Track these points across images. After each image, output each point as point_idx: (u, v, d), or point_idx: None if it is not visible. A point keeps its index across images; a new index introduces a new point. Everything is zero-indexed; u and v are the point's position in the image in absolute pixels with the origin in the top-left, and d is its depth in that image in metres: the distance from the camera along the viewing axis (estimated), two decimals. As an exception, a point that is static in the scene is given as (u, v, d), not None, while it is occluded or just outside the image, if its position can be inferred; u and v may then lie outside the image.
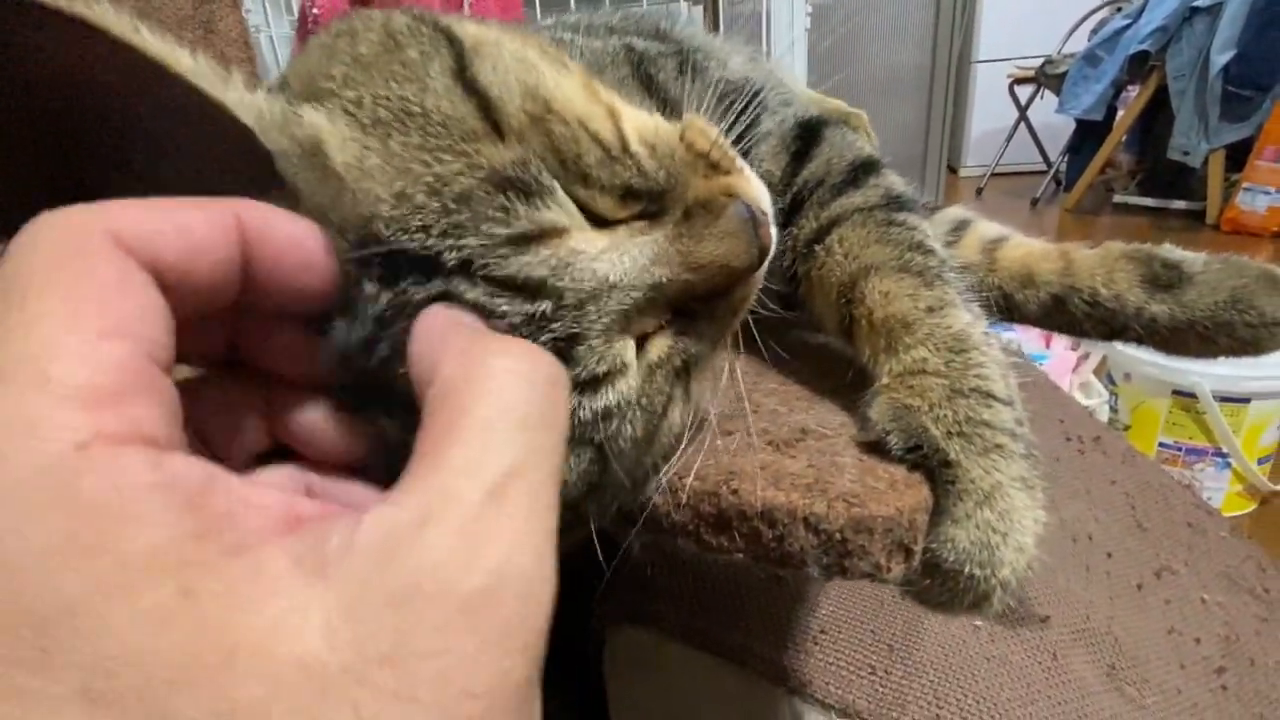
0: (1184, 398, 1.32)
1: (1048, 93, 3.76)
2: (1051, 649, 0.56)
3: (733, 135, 0.48)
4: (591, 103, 0.31)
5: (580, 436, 0.27)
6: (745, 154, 0.48)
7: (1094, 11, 3.70)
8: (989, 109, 4.45)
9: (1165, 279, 0.45)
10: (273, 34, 1.75)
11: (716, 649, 0.54)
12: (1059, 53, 3.68)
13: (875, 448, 0.32)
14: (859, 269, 0.39)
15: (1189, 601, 0.74)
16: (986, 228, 0.54)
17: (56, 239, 0.18)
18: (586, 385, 0.27)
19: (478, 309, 0.26)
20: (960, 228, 0.54)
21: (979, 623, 0.56)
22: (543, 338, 0.27)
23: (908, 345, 0.35)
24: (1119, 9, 3.58)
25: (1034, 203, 3.80)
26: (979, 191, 4.17)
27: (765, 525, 0.28)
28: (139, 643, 0.15)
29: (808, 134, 0.49)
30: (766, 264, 0.32)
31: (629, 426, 0.29)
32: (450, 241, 0.27)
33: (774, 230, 0.32)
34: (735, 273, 0.30)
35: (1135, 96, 3.25)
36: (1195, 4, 2.88)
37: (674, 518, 0.30)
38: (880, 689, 0.51)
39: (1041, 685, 0.53)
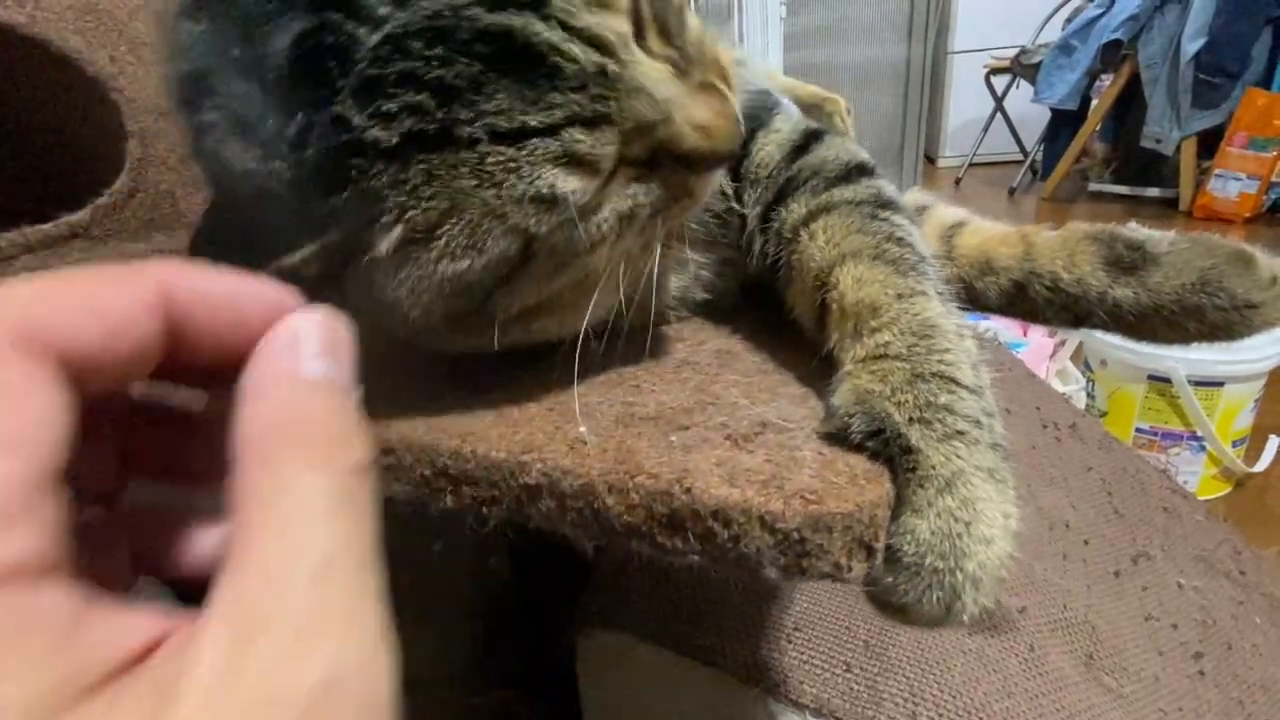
0: (1159, 382, 1.32)
1: (1023, 82, 3.78)
2: (1029, 640, 0.55)
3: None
4: None
5: (515, 218, 0.30)
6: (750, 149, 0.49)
7: (1067, 1, 3.73)
8: (966, 99, 4.47)
9: (1129, 260, 0.43)
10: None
11: (689, 650, 0.52)
12: (1033, 43, 3.70)
13: (838, 439, 0.31)
14: (837, 255, 0.39)
15: (1166, 587, 0.74)
16: (945, 212, 0.52)
17: None
18: (560, 160, 0.29)
19: (558, 52, 0.28)
20: (920, 211, 0.53)
21: (955, 616, 0.55)
22: (601, 106, 0.30)
23: (873, 329, 0.34)
24: (1091, -1, 3.61)
25: (1011, 192, 3.82)
26: (957, 181, 4.19)
27: (720, 525, 0.26)
28: None
29: (807, 137, 0.49)
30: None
31: (562, 232, 0.31)
32: None
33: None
34: (713, 151, 0.34)
35: (1109, 85, 3.28)
36: (1166, -8, 2.90)
37: (626, 519, 0.28)
38: (855, 687, 0.50)
39: (1019, 678, 0.52)
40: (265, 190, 0.29)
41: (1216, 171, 3.00)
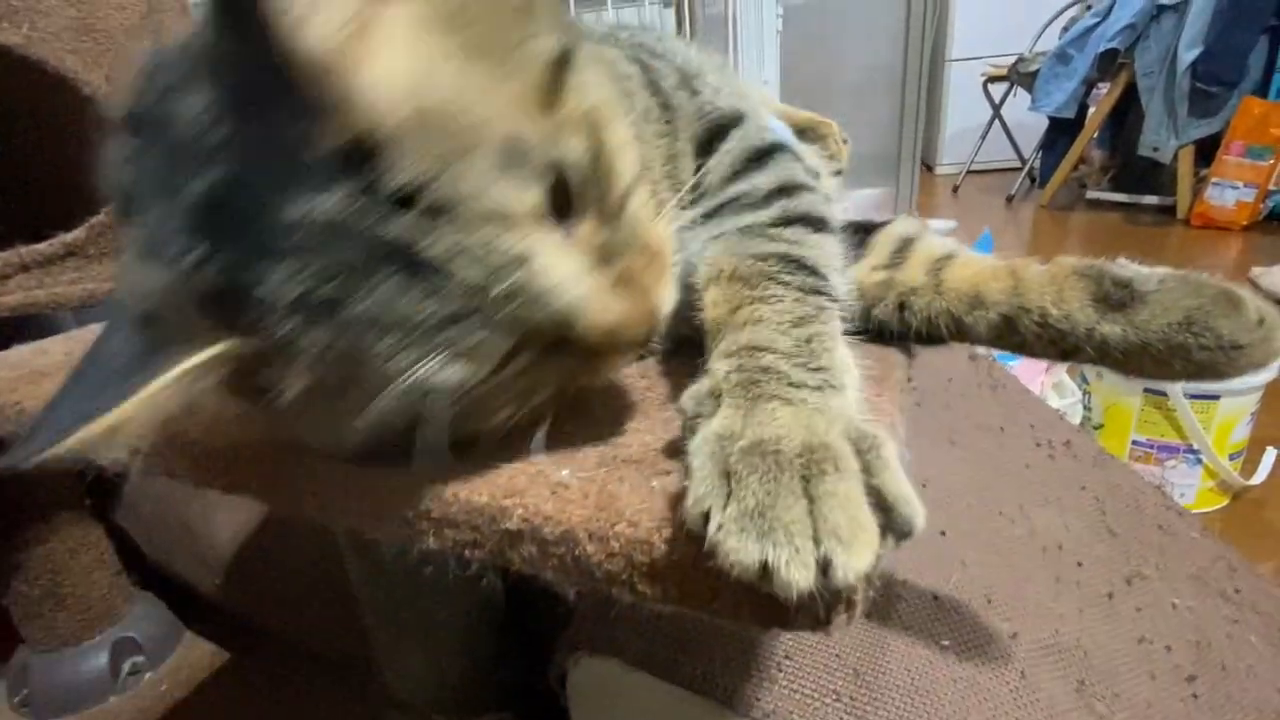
0: (1156, 395, 1.32)
1: (1021, 91, 3.79)
2: (1020, 667, 0.55)
3: (703, 148, 0.52)
4: (630, 153, 0.36)
5: (402, 398, 0.30)
6: (706, 170, 0.51)
7: (1064, 10, 3.74)
8: (963, 107, 4.48)
9: (1117, 298, 0.43)
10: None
11: (678, 678, 0.52)
12: (1030, 51, 3.71)
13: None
14: (711, 277, 0.42)
15: (1160, 608, 0.74)
16: (933, 244, 0.52)
17: None
18: (441, 353, 0.30)
19: (442, 263, 0.29)
20: (904, 246, 0.52)
21: (945, 642, 0.55)
22: (481, 314, 0.30)
23: (717, 342, 0.38)
24: (1088, 7, 3.62)
25: (1009, 199, 3.83)
26: (955, 189, 4.19)
27: (700, 575, 0.26)
28: None
29: (759, 158, 0.51)
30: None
31: (452, 407, 0.31)
32: (442, 184, 0.28)
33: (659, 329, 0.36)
34: (620, 348, 0.34)
35: (1105, 94, 3.29)
36: (1162, 2, 2.91)
37: (606, 567, 0.28)
38: (845, 715, 0.49)
39: (1009, 706, 0.52)
40: (157, 307, 0.31)
41: (1214, 180, 3.00)
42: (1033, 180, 4.03)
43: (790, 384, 0.32)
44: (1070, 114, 3.39)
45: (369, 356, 0.29)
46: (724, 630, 0.54)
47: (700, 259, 0.44)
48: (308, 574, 1.13)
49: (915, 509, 0.26)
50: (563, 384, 0.36)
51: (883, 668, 0.52)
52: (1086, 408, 1.45)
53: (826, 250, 0.45)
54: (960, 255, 0.50)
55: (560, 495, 0.30)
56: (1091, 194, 3.66)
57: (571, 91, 0.33)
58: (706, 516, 0.26)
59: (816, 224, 0.46)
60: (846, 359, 0.36)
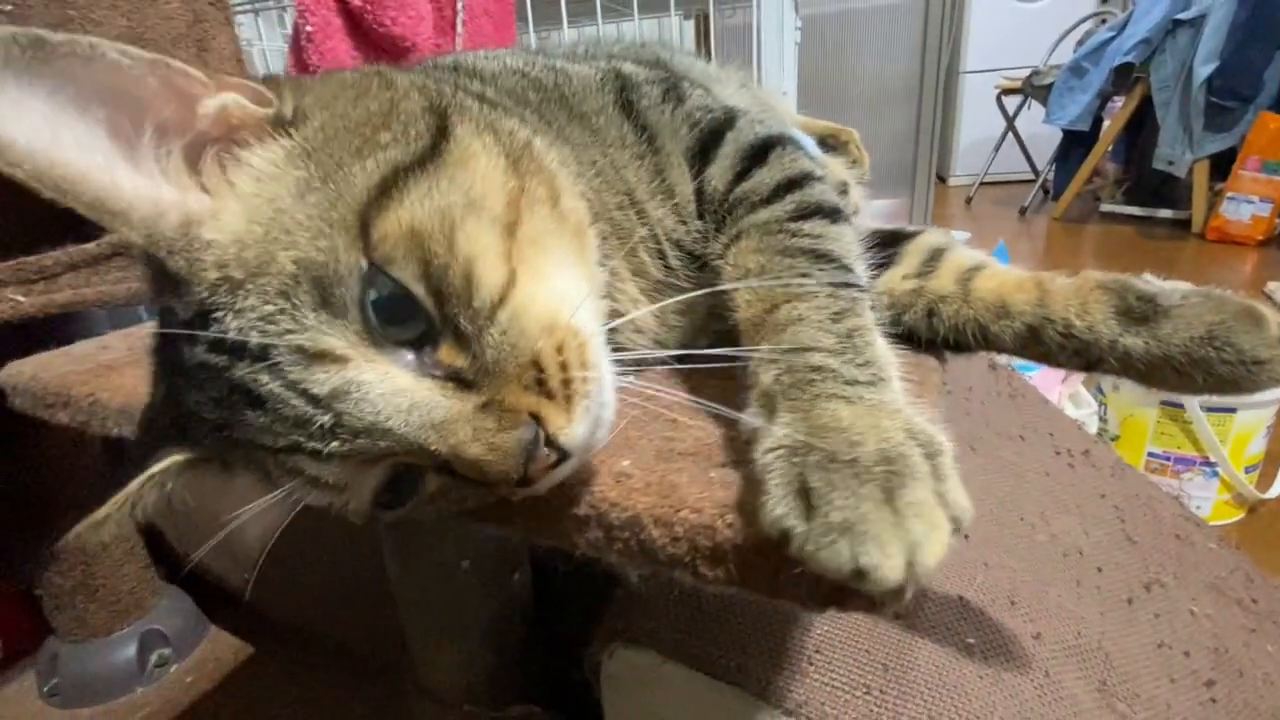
0: (1172, 408, 1.33)
1: (1035, 103, 3.80)
2: (1044, 667, 0.56)
3: (699, 156, 0.51)
4: (498, 257, 0.34)
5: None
6: (702, 171, 0.51)
7: (1079, 24, 3.75)
8: (977, 119, 4.49)
9: (1140, 311, 0.44)
10: (265, 48, 1.76)
11: (713, 670, 0.54)
12: (1045, 64, 3.73)
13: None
14: (738, 278, 0.42)
15: (1178, 614, 0.75)
16: (962, 256, 0.54)
17: None
18: (297, 476, 0.35)
19: (273, 399, 0.32)
20: (935, 256, 0.54)
21: (971, 640, 0.57)
22: (321, 445, 0.33)
23: (756, 344, 0.38)
24: (1103, 21, 3.63)
25: (1022, 211, 3.83)
26: (968, 201, 4.20)
27: (762, 559, 0.28)
28: None
29: (755, 155, 0.51)
30: (541, 480, 0.33)
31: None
32: (266, 328, 0.32)
33: (559, 470, 0.33)
34: (489, 479, 0.32)
35: (1120, 107, 3.30)
36: (1178, 17, 2.92)
37: (670, 551, 0.30)
38: (875, 709, 0.51)
39: (1034, 704, 0.53)
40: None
41: (1229, 194, 3.00)
42: (1046, 193, 4.04)
43: (845, 382, 0.33)
44: (1085, 127, 3.40)
45: (265, 470, 0.36)
46: (756, 623, 0.56)
47: (722, 262, 0.45)
48: (334, 571, 1.16)
49: (969, 511, 0.28)
50: (484, 500, 0.36)
51: (911, 664, 0.53)
52: (1102, 419, 1.46)
53: (847, 241, 0.45)
54: (989, 267, 0.52)
55: (624, 483, 0.32)
56: (1105, 207, 3.67)
57: (399, 206, 0.33)
58: (788, 530, 0.27)
59: (832, 214, 0.47)
60: (885, 349, 0.37)
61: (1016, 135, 4.11)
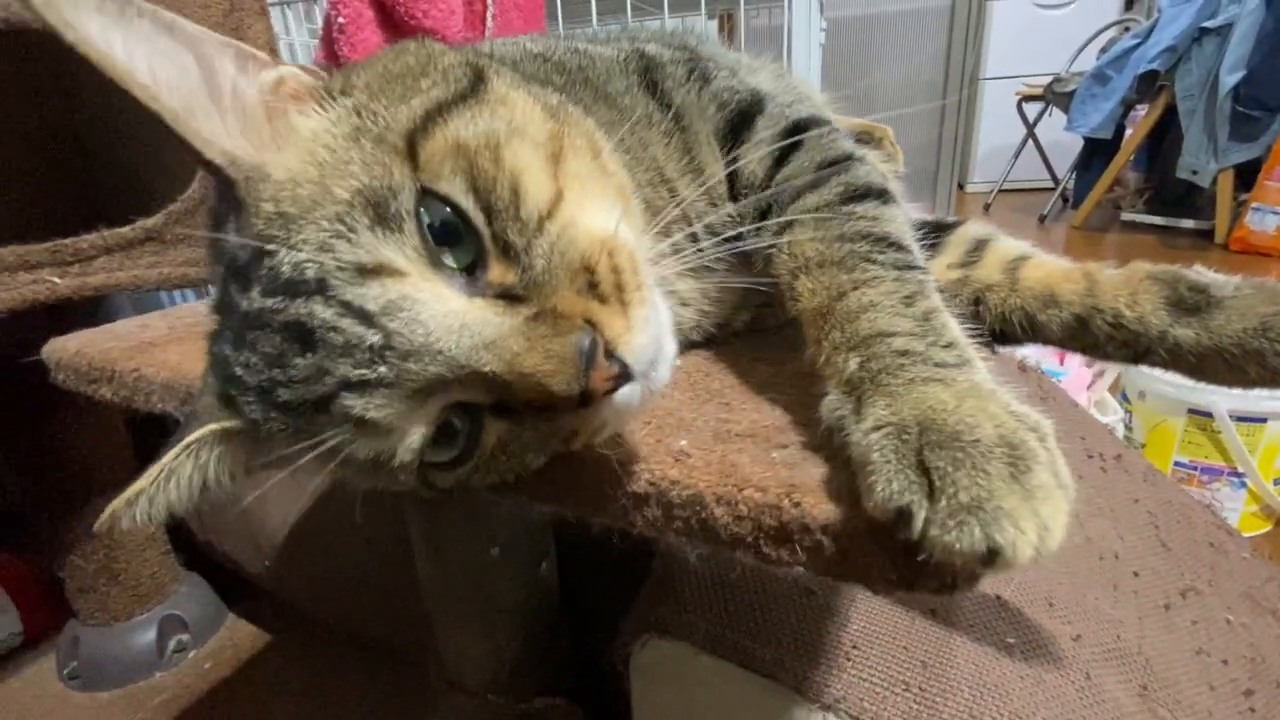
0: (1200, 416, 1.31)
1: (1056, 110, 3.77)
2: (1084, 668, 0.56)
3: (729, 137, 0.51)
4: (545, 174, 0.34)
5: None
6: (735, 154, 0.50)
7: (1103, 30, 3.72)
8: (995, 126, 4.47)
9: (1192, 302, 0.44)
10: (292, 41, 1.77)
11: (748, 662, 0.53)
12: (1067, 71, 3.70)
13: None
14: (796, 267, 0.41)
15: (1214, 622, 0.74)
16: (1007, 246, 0.54)
17: None
18: (345, 423, 0.32)
19: (323, 331, 0.31)
20: (979, 247, 0.54)
21: (1011, 640, 0.56)
22: (369, 371, 0.31)
23: (825, 332, 0.37)
24: (1127, 28, 3.60)
25: (1042, 219, 3.80)
26: (986, 207, 4.17)
27: (829, 539, 0.28)
28: None
29: (790, 138, 0.50)
30: (605, 405, 0.31)
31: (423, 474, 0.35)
32: (320, 256, 0.32)
33: (615, 379, 0.31)
34: (550, 395, 0.31)
35: (1144, 115, 3.27)
36: (1205, 25, 2.89)
37: (733, 529, 0.29)
38: (915, 706, 0.50)
39: (1076, 705, 0.52)
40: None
41: (1254, 205, 2.96)
42: (1066, 200, 4.00)
43: (935, 364, 0.32)
44: (1107, 135, 3.37)
45: (308, 431, 0.34)
46: (792, 617, 0.55)
47: (776, 250, 0.43)
48: (352, 561, 1.16)
49: (1074, 491, 0.28)
50: (544, 447, 0.34)
51: (951, 661, 0.53)
52: (1128, 427, 1.44)
53: (900, 221, 0.44)
54: (1035, 256, 0.51)
55: (684, 462, 0.32)
56: (1126, 216, 3.63)
57: (445, 128, 0.33)
58: (907, 507, 0.26)
59: (881, 195, 0.46)
60: (959, 328, 0.36)
61: (1036, 142, 4.08)
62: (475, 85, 0.37)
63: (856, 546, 0.27)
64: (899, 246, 0.40)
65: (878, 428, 0.29)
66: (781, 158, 0.48)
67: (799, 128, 0.49)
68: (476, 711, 0.73)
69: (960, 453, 0.27)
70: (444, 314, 0.31)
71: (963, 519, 0.25)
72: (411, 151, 0.33)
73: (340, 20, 1.20)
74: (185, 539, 1.29)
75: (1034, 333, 0.51)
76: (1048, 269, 0.51)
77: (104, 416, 1.15)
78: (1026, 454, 0.27)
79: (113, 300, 1.13)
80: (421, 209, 0.32)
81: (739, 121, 0.51)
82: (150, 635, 1.21)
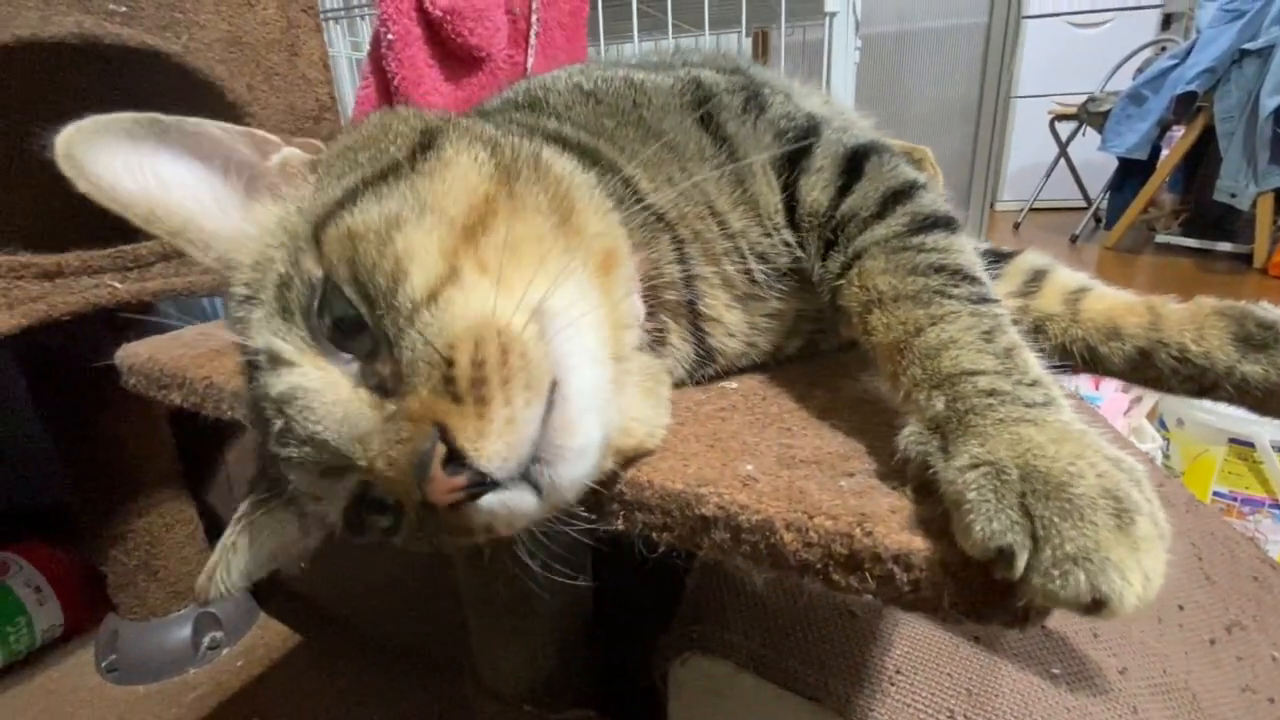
0: (1241, 446, 1.29)
1: (1087, 130, 3.74)
2: (1131, 702, 0.55)
3: (786, 165, 0.51)
4: (438, 253, 0.33)
5: None
6: (793, 182, 0.49)
7: (1139, 50, 3.68)
8: (1026, 144, 4.43)
9: (1260, 339, 0.44)
10: (338, 53, 1.82)
11: (791, 683, 0.53)
12: (1102, 90, 3.66)
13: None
14: (868, 300, 0.41)
15: (1260, 659, 0.72)
16: (1067, 277, 0.54)
17: None
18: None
19: (258, 406, 0.35)
20: (1038, 277, 0.54)
21: (1056, 670, 0.55)
22: (285, 450, 0.34)
23: (903, 368, 0.37)
24: (1163, 49, 3.56)
25: (1073, 239, 3.76)
26: (1016, 227, 4.13)
27: (900, 569, 0.28)
28: None
29: (851, 166, 0.50)
30: (471, 511, 0.30)
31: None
32: (256, 339, 0.35)
33: (465, 488, 0.30)
34: (400, 494, 0.31)
35: (1181, 137, 3.22)
36: (1245, 47, 2.85)
37: (803, 556, 0.30)
38: (959, 734, 0.50)
39: (1123, 739, 0.52)
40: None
41: (1294, 229, 2.90)
42: (1098, 221, 3.95)
43: (1025, 404, 0.32)
44: (1142, 155, 3.32)
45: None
46: (835, 639, 0.55)
47: (845, 283, 0.43)
48: (385, 568, 1.18)
49: (1170, 536, 0.28)
50: (451, 535, 0.34)
51: (995, 690, 0.52)
52: (1165, 455, 1.42)
53: (970, 252, 0.44)
54: (1096, 288, 0.51)
55: (752, 487, 0.33)
56: (1161, 238, 3.57)
57: (348, 215, 0.34)
58: (1008, 549, 0.26)
59: (947, 224, 0.45)
60: (1038, 362, 0.36)
61: (1069, 162, 4.04)
62: (413, 155, 0.38)
63: (929, 578, 0.28)
64: (972, 279, 0.40)
65: (974, 466, 0.29)
66: (845, 187, 0.48)
67: (858, 155, 0.50)
68: (510, 719, 0.73)
69: (1066, 503, 0.27)
70: (332, 402, 0.32)
71: (1068, 569, 0.26)
72: (317, 239, 0.35)
73: (390, 36, 1.23)
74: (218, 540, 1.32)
75: (1094, 364, 0.50)
76: (1110, 301, 0.51)
77: (152, 417, 1.18)
78: (1130, 506, 0.28)
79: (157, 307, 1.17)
80: (323, 298, 0.34)
81: (796, 150, 0.51)
82: (186, 632, 1.23)
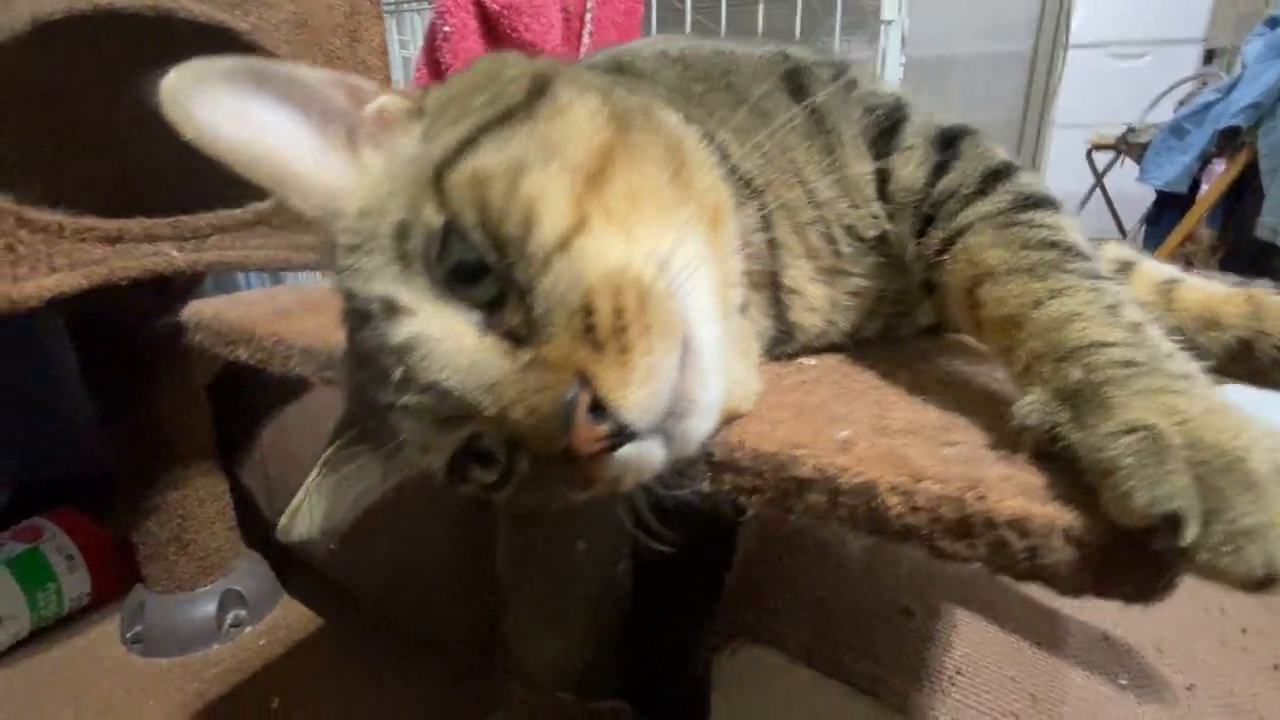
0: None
1: (1124, 162, 3.70)
2: (1200, 719, 0.53)
3: (877, 141, 0.50)
4: (566, 200, 0.32)
5: None
6: (884, 157, 0.48)
7: (1180, 83, 3.65)
8: (1061, 174, 4.38)
9: None
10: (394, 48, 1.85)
11: (846, 677, 0.52)
12: (1142, 122, 3.63)
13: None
14: (977, 275, 0.39)
15: (1323, 691, 0.70)
16: (1156, 268, 0.53)
17: None
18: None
19: (371, 355, 0.35)
20: (1125, 268, 0.53)
21: (1123, 681, 0.54)
22: (399, 398, 0.33)
23: (1020, 340, 0.35)
24: (1205, 83, 3.53)
25: (1106, 270, 3.71)
26: (1048, 255, 4.09)
27: (1016, 535, 0.27)
28: None
29: (946, 145, 0.49)
30: (607, 462, 0.30)
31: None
32: (368, 288, 0.35)
33: (607, 438, 0.29)
34: (539, 445, 0.30)
35: (1222, 172, 3.18)
36: (1293, 83, 2.82)
37: (907, 520, 0.29)
38: (1024, 739, 0.49)
39: (1194, 757, 0.50)
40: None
41: (1339, 269, 2.84)
42: (1133, 253, 3.90)
43: (1166, 374, 0.30)
44: (1182, 189, 3.28)
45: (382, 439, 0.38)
46: (891, 636, 0.54)
47: (949, 258, 0.42)
48: (409, 554, 1.17)
49: None
50: (569, 487, 0.34)
51: (1061, 697, 0.51)
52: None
53: (1078, 231, 0.42)
54: (1188, 280, 0.50)
55: (850, 451, 0.32)
56: (1198, 273, 3.52)
57: (471, 158, 0.33)
58: (1178, 517, 0.25)
59: (1051, 203, 0.44)
60: (1166, 338, 0.34)
61: (1105, 192, 4.00)
62: (530, 99, 0.37)
63: (1048, 545, 0.27)
64: (1084, 256, 0.39)
65: (1129, 431, 0.28)
66: (941, 164, 0.47)
67: (951, 135, 0.49)
68: (545, 707, 0.72)
69: (1245, 476, 0.26)
70: (455, 351, 0.32)
71: (1241, 544, 0.25)
72: (439, 182, 0.34)
73: (446, 29, 1.25)
74: (248, 516, 1.33)
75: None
76: (1206, 291, 0.50)
77: (191, 389, 1.19)
78: None
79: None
80: (445, 244, 0.33)
81: (887, 126, 0.50)
82: (211, 607, 1.24)
